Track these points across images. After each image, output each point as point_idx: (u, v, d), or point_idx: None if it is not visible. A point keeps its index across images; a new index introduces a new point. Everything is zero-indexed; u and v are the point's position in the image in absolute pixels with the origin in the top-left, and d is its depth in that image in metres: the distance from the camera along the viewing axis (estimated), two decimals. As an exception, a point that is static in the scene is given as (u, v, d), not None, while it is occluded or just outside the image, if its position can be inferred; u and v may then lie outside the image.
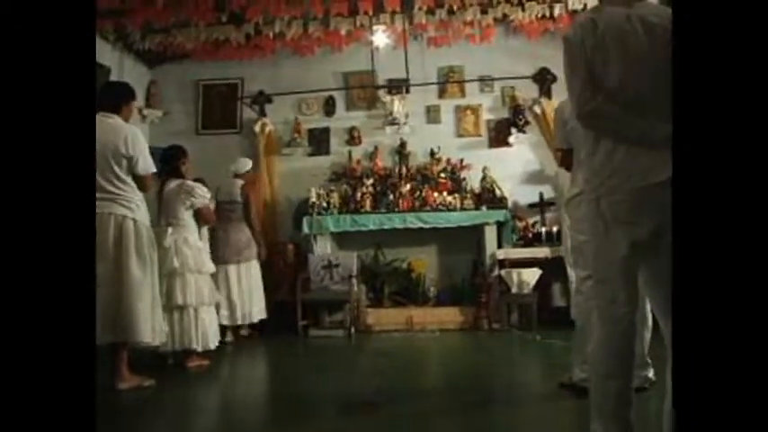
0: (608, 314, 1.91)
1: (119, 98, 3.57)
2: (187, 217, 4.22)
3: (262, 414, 3.05)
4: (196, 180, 4.55)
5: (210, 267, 4.30)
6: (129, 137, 3.41)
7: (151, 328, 3.40)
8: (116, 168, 3.36)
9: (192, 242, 4.19)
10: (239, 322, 5.18)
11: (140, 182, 3.48)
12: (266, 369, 4.34)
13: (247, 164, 5.64)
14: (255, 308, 5.26)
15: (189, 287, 4.05)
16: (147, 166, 3.48)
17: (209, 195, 4.40)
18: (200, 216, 4.32)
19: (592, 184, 1.95)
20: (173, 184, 4.23)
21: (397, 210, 6.13)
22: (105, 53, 5.90)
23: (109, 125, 3.39)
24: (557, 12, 5.61)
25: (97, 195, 3.17)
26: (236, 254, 5.19)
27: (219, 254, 5.09)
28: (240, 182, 5.43)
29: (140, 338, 3.34)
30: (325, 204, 6.21)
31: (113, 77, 5.94)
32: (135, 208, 3.43)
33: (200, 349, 4.07)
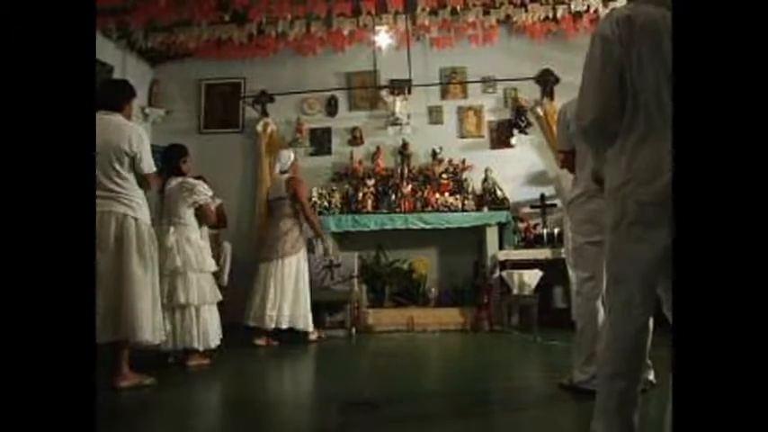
0: (622, 315, 1.89)
1: (121, 96, 3.57)
2: (189, 215, 4.21)
3: (261, 414, 3.04)
4: (197, 178, 4.55)
5: (212, 266, 4.29)
6: (134, 135, 3.41)
7: (152, 327, 3.40)
8: (118, 166, 3.35)
9: (194, 241, 4.19)
10: (284, 326, 5.05)
11: (143, 180, 3.48)
12: (266, 369, 4.34)
13: (290, 157, 5.50)
14: (288, 311, 5.10)
15: (191, 286, 4.05)
16: (149, 164, 3.48)
17: (210, 193, 4.39)
18: (201, 214, 4.31)
19: (616, 182, 1.90)
20: (174, 182, 4.23)
21: (398, 210, 6.13)
22: (108, 51, 5.91)
23: (112, 123, 3.39)
24: (560, 13, 5.61)
25: (99, 193, 3.17)
26: (271, 250, 5.13)
27: (263, 251, 5.12)
28: (285, 176, 5.34)
29: (141, 337, 3.34)
30: (326, 204, 6.22)
31: (116, 76, 5.95)
32: (136, 206, 3.42)
33: (201, 348, 4.07)
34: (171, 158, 4.36)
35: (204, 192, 4.27)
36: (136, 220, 3.39)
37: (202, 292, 4.11)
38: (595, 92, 1.88)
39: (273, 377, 4.07)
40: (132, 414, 3.05)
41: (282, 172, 5.41)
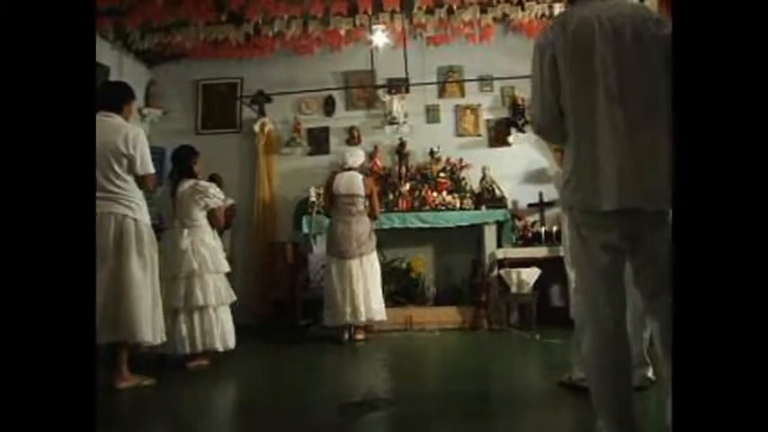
0: (593, 318, 1.92)
1: (120, 98, 3.57)
2: (201, 217, 4.20)
3: (261, 414, 3.04)
4: (211, 177, 4.52)
5: (226, 266, 4.29)
6: (131, 136, 3.40)
7: (152, 328, 3.40)
8: (116, 167, 3.35)
9: (208, 242, 4.19)
10: (363, 319, 5.05)
11: (141, 181, 3.48)
12: (266, 369, 4.34)
13: (362, 156, 5.49)
14: (375, 305, 5.11)
15: (208, 288, 4.06)
16: (147, 165, 3.47)
17: (222, 196, 4.36)
18: (211, 217, 4.28)
19: (561, 184, 1.96)
20: (186, 184, 4.19)
21: (396, 209, 6.13)
22: (104, 52, 5.89)
23: (110, 124, 3.38)
24: (556, 11, 5.61)
25: (98, 195, 3.16)
26: (359, 247, 5.10)
27: (340, 248, 5.08)
28: (361, 175, 5.30)
29: (141, 338, 3.34)
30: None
31: (113, 77, 5.94)
32: (135, 207, 3.42)
33: (221, 349, 4.11)
34: (181, 160, 4.32)
35: (216, 195, 4.25)
36: (135, 221, 3.39)
37: (219, 293, 4.12)
38: (536, 101, 1.97)
39: (274, 378, 4.07)
40: (132, 415, 3.05)
41: (349, 168, 5.31)
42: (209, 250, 4.14)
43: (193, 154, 4.37)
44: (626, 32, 1.82)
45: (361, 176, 5.28)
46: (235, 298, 4.32)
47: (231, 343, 4.19)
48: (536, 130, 2.06)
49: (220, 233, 5.37)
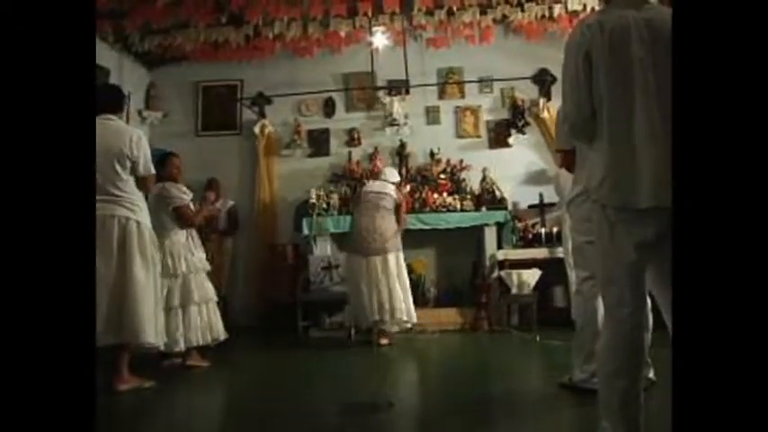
0: (614, 315, 1.91)
1: (117, 100, 3.60)
2: (169, 221, 4.17)
3: (260, 416, 3.04)
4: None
5: (206, 265, 4.29)
6: (134, 138, 3.43)
7: (155, 329, 3.41)
8: (120, 170, 3.37)
9: (180, 242, 4.20)
10: (390, 318, 4.97)
11: (142, 183, 3.49)
12: (266, 371, 4.33)
13: (397, 176, 5.53)
14: (403, 305, 5.03)
15: (189, 286, 4.10)
16: (149, 167, 3.50)
17: (186, 195, 4.27)
18: (178, 215, 4.20)
19: (594, 182, 1.94)
20: (155, 189, 4.11)
21: (396, 211, 6.12)
22: (104, 55, 5.89)
23: (112, 127, 3.41)
24: (556, 12, 5.61)
25: (100, 197, 3.16)
26: (383, 243, 5.04)
27: (363, 243, 5.02)
28: (393, 187, 5.30)
29: (144, 339, 3.34)
30: (324, 205, 6.20)
31: (113, 79, 5.94)
32: (138, 210, 3.44)
33: (212, 344, 4.15)
34: (158, 166, 4.25)
35: (177, 195, 4.20)
36: (138, 223, 3.41)
37: (192, 293, 4.13)
38: (571, 100, 1.96)
39: (274, 379, 4.07)
40: (132, 417, 3.04)
41: (384, 180, 5.35)
42: (184, 250, 4.16)
43: (169, 157, 4.37)
44: (662, 34, 1.83)
45: (394, 186, 5.30)
46: (215, 299, 4.31)
47: (221, 335, 4.22)
48: (569, 128, 2.04)
49: (221, 235, 5.34)
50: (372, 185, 5.26)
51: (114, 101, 3.57)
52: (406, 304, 5.05)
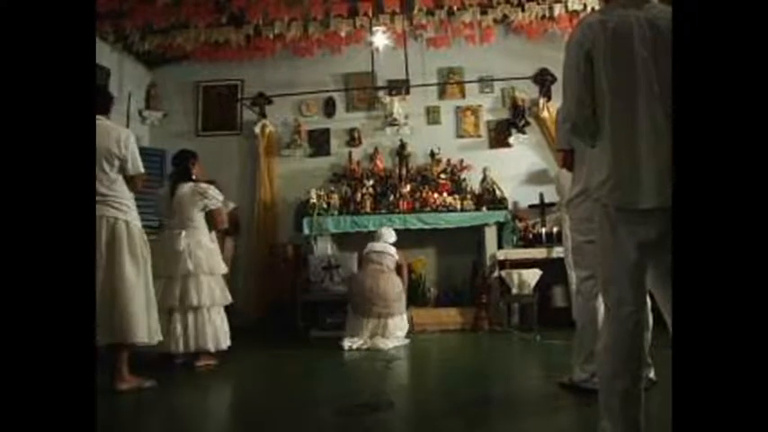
0: (615, 314, 1.91)
1: (106, 101, 3.62)
2: (199, 219, 4.24)
3: (261, 416, 3.04)
4: (209, 183, 4.55)
5: (222, 268, 4.31)
6: (122, 137, 3.43)
7: (147, 328, 3.41)
8: (108, 170, 3.37)
9: (205, 244, 4.22)
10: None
11: (131, 182, 3.49)
12: (266, 371, 4.33)
13: (394, 235, 5.55)
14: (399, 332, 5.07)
15: (203, 289, 4.08)
16: (137, 165, 3.49)
17: (221, 198, 4.40)
18: (212, 218, 4.32)
19: (596, 182, 1.94)
20: (185, 187, 4.24)
21: (397, 211, 6.13)
22: (105, 54, 5.90)
23: (99, 127, 3.39)
24: (556, 12, 5.62)
25: (89, 197, 3.17)
26: (385, 307, 5.02)
27: (369, 305, 4.98)
28: (393, 248, 5.38)
29: (136, 338, 3.34)
30: (325, 205, 6.21)
31: (113, 79, 5.96)
32: (126, 209, 3.43)
33: (213, 350, 4.12)
34: (180, 163, 4.38)
35: (215, 197, 4.29)
36: (126, 222, 3.40)
37: (213, 295, 4.14)
38: (572, 98, 1.95)
39: (274, 379, 4.07)
40: (132, 417, 3.04)
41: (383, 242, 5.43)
42: (205, 252, 4.17)
43: (192, 156, 4.43)
44: (663, 34, 1.83)
45: (394, 248, 5.37)
46: (230, 300, 4.33)
47: (224, 344, 4.20)
48: (570, 127, 2.03)
49: (224, 235, 5.36)
50: (374, 246, 5.34)
51: (102, 101, 3.57)
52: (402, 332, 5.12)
